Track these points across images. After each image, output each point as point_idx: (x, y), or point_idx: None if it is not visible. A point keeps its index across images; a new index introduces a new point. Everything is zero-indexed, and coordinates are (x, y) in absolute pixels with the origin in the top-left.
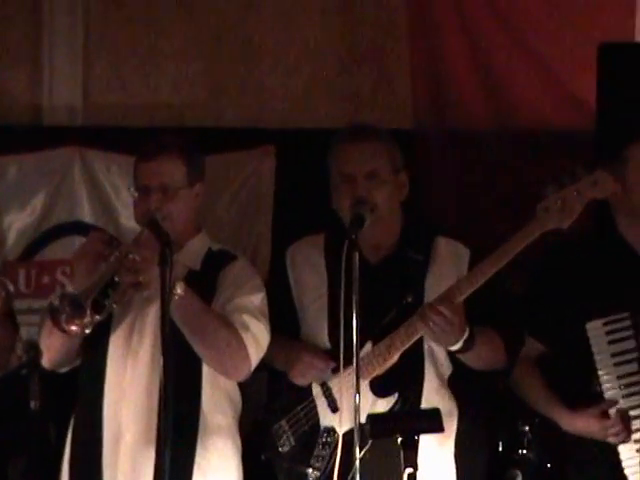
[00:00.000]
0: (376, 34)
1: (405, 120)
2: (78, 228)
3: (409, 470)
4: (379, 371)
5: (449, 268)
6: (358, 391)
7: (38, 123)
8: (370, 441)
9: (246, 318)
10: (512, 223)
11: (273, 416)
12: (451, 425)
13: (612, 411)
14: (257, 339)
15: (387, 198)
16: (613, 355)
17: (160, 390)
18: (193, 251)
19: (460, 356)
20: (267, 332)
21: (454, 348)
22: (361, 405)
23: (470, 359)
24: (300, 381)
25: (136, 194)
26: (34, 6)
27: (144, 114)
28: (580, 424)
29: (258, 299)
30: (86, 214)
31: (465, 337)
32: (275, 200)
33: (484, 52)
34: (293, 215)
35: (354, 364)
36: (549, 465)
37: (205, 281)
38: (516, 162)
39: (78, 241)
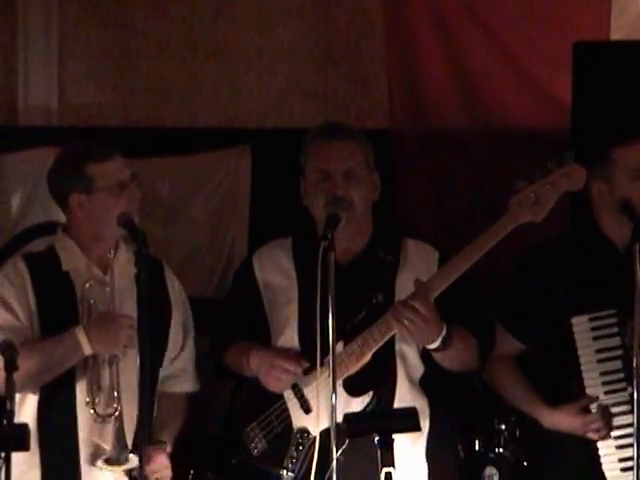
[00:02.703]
0: (351, 34)
1: (381, 120)
2: (54, 228)
3: (387, 469)
4: (352, 370)
5: (419, 269)
6: (335, 391)
7: (14, 124)
8: (347, 441)
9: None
10: (490, 223)
11: (242, 420)
12: (423, 424)
13: (593, 407)
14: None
15: (363, 197)
16: (597, 351)
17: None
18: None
19: (437, 355)
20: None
21: (432, 346)
22: (335, 405)
23: (446, 358)
24: (275, 387)
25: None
26: (8, 7)
27: (119, 114)
28: (561, 420)
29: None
30: (62, 214)
31: (443, 335)
32: (251, 200)
33: (460, 52)
34: (269, 215)
35: (330, 364)
36: (525, 463)
37: (155, 290)
38: (492, 162)
39: None
